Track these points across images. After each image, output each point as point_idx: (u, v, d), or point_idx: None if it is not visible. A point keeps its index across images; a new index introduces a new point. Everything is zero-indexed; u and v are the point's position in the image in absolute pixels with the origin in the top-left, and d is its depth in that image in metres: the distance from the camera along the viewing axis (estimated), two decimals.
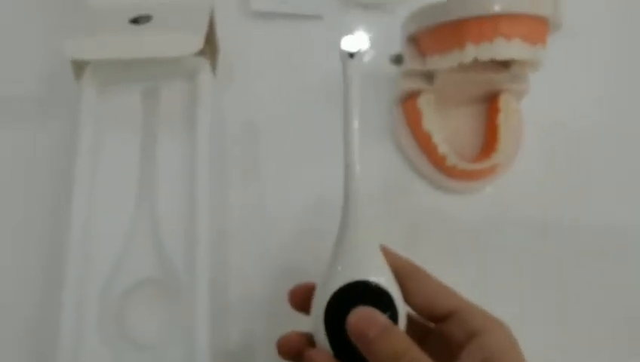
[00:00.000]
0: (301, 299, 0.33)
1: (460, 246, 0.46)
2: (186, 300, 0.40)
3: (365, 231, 0.32)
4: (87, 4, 0.46)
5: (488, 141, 0.47)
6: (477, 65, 0.41)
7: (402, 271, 0.32)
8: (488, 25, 0.39)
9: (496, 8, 0.39)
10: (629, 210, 0.48)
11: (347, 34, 0.33)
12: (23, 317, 0.42)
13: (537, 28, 0.41)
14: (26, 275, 0.43)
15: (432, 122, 0.46)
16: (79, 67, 0.45)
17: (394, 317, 0.30)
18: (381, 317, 0.29)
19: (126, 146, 0.44)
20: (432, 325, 0.33)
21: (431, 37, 0.43)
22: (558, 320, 0.44)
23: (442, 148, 0.45)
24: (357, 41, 0.33)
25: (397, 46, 0.47)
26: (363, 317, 0.29)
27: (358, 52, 0.33)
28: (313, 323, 0.31)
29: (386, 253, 0.32)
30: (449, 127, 0.47)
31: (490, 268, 0.45)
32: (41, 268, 0.43)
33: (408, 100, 0.47)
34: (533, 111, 0.48)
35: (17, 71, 0.49)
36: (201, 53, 0.43)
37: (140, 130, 0.45)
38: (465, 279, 0.44)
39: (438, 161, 0.46)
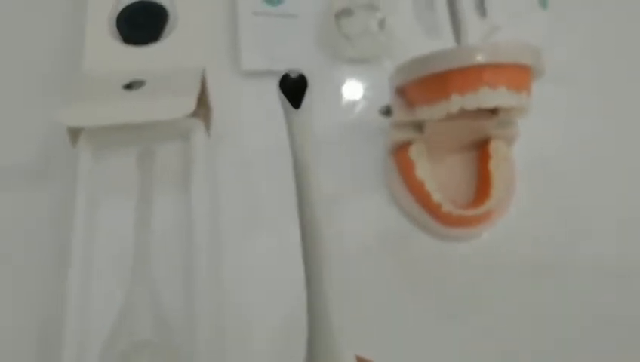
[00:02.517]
0: None
1: (460, 292, 0.46)
2: None
3: (338, 340, 0.26)
4: (82, 72, 0.47)
5: (482, 187, 0.47)
6: (465, 113, 0.42)
7: None
8: (472, 75, 0.40)
9: (479, 59, 0.40)
10: (626, 248, 0.48)
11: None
12: None
13: (521, 76, 0.41)
14: (23, 338, 0.42)
15: (425, 171, 0.46)
16: (74, 134, 0.45)
17: None
18: None
19: (123, 209, 0.45)
20: None
21: (418, 88, 0.43)
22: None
23: (436, 196, 0.45)
24: (302, 85, 0.25)
25: (386, 98, 0.48)
26: None
27: (307, 101, 0.25)
28: None
29: None
30: (442, 175, 0.47)
31: (490, 313, 0.45)
32: (38, 330, 0.42)
33: (400, 150, 0.48)
34: (525, 155, 0.49)
35: (15, 139, 0.50)
36: (195, 114, 0.44)
37: (136, 193, 0.45)
38: (466, 326, 0.44)
39: (433, 209, 0.46)
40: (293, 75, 0.25)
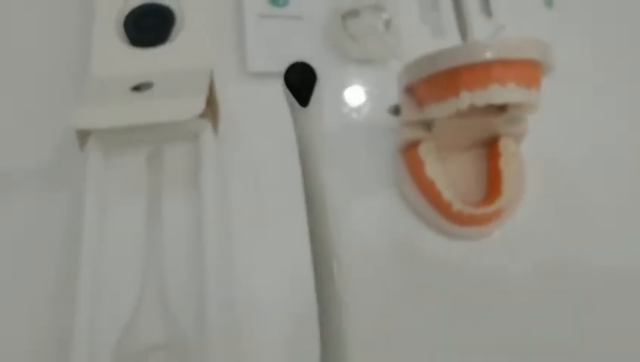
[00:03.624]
0: None
1: (471, 291, 0.45)
2: None
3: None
4: (90, 75, 0.47)
5: (492, 185, 0.47)
6: (474, 110, 0.42)
7: None
8: (481, 71, 0.40)
9: (488, 55, 0.40)
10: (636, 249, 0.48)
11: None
12: None
13: (530, 71, 0.41)
14: (34, 340, 0.42)
15: (435, 169, 0.46)
16: (83, 136, 0.45)
17: None
18: None
19: (133, 210, 0.45)
20: None
21: (427, 86, 0.43)
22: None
23: (447, 194, 0.45)
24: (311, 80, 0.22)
25: (392, 98, 0.48)
26: None
27: (316, 98, 0.22)
28: None
29: None
30: (451, 174, 0.47)
31: (500, 312, 0.45)
32: (49, 334, 0.42)
33: (409, 149, 0.47)
34: (534, 153, 0.49)
35: (25, 143, 0.50)
36: (203, 115, 0.44)
37: (145, 194, 0.45)
38: (476, 324, 0.44)
39: (443, 208, 0.46)
40: (298, 69, 0.22)
